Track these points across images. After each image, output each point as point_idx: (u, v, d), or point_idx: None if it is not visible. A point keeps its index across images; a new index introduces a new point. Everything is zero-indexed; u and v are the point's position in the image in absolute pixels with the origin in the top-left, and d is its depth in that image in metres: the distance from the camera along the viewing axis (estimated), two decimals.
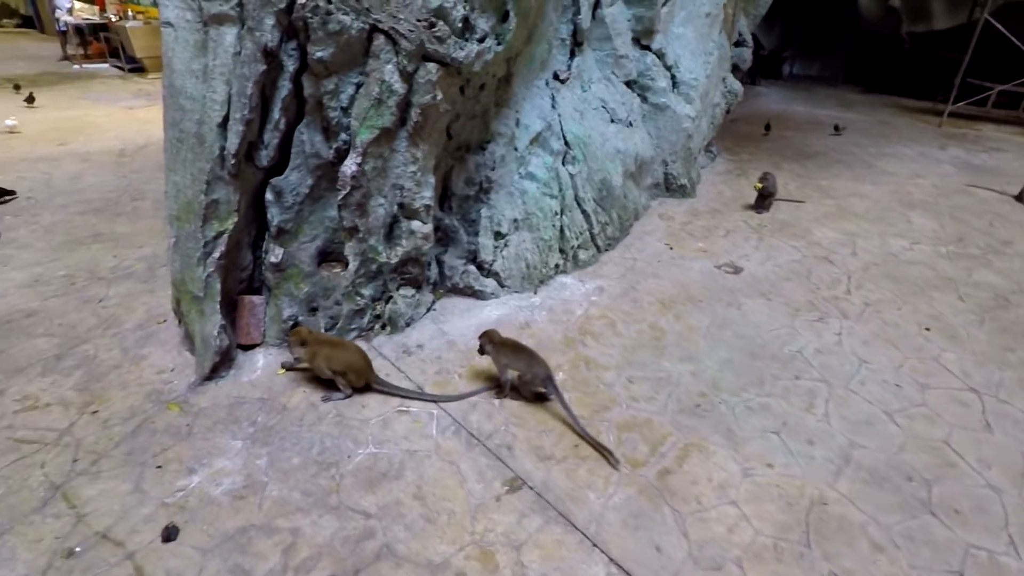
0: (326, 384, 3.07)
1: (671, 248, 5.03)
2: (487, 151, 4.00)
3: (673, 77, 5.75)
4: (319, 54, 2.84)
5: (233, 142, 2.84)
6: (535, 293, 4.13)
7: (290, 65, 2.92)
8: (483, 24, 3.24)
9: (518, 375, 3.04)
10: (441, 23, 2.99)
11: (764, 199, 5.93)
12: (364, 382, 3.02)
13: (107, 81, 11.64)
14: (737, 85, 7.28)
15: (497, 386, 3.12)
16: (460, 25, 3.11)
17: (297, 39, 2.90)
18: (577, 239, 4.49)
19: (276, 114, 2.98)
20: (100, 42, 13.31)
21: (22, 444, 2.65)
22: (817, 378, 3.44)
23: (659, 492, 2.59)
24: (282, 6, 2.73)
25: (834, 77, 15.92)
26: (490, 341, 3.05)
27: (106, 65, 13.07)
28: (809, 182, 7.15)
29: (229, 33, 2.75)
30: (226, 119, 2.82)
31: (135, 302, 3.86)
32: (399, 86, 3.01)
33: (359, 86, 3.03)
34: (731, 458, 2.81)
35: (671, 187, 6.12)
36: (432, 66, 3.04)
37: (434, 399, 3.05)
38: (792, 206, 6.22)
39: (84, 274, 4.23)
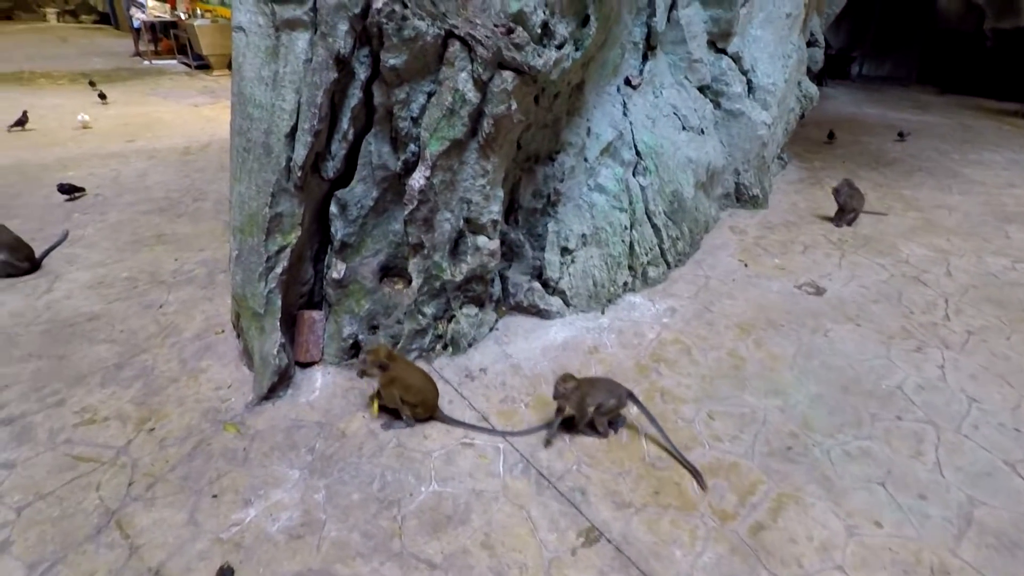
0: (386, 407, 2.92)
1: (746, 265, 4.69)
2: (556, 162, 3.77)
3: (749, 82, 5.38)
4: (392, 61, 2.67)
5: (300, 153, 2.70)
6: (602, 313, 3.88)
7: (361, 73, 2.77)
8: (562, 30, 3.01)
9: (595, 407, 2.80)
10: (520, 29, 2.78)
11: (845, 212, 5.50)
12: (429, 415, 2.85)
13: (175, 77, 11.98)
14: (813, 88, 6.82)
15: (567, 422, 2.89)
16: (539, 31, 2.89)
17: (370, 46, 2.74)
18: (647, 255, 4.21)
19: (345, 124, 2.83)
20: (170, 39, 13.77)
21: (79, 462, 2.59)
22: (922, 419, 3.08)
23: (753, 552, 2.32)
24: (357, 11, 2.57)
25: (906, 77, 15.01)
26: (576, 387, 2.71)
27: (174, 61, 13.50)
28: (890, 192, 6.64)
29: (301, 39, 2.62)
30: (294, 129, 2.69)
31: (194, 309, 3.81)
32: (472, 95, 2.82)
33: (431, 95, 2.85)
34: (832, 512, 2.51)
35: (742, 198, 5.75)
36: (508, 74, 2.84)
37: (501, 433, 2.84)
38: (874, 219, 5.76)
39: (146, 277, 4.22)
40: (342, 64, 2.67)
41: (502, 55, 2.79)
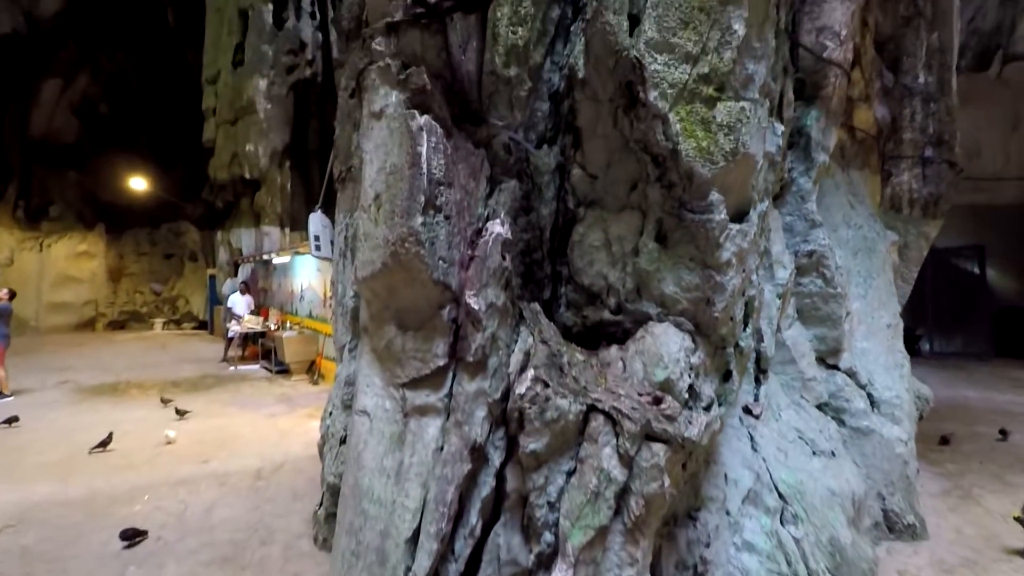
0: None
1: None
2: (698, 521, 3.16)
3: (870, 396, 4.97)
4: (533, 446, 2.35)
5: (424, 564, 2.22)
6: None
7: (496, 459, 2.45)
8: (707, 389, 2.74)
9: None
10: (668, 397, 2.49)
11: None
12: None
13: (255, 383, 12.55)
14: (925, 389, 6.34)
15: None
16: (686, 396, 2.60)
17: (506, 428, 2.47)
18: None
19: (473, 518, 2.40)
20: (256, 346, 14.97)
21: None
22: None
23: None
24: (496, 396, 2.36)
25: (984, 352, 14.61)
26: None
27: (257, 367, 14.40)
28: None
29: (432, 426, 2.37)
30: (416, 532, 2.25)
31: None
32: (618, 473, 2.41)
33: (569, 474, 2.45)
34: None
35: (895, 527, 4.81)
36: (658, 447, 2.46)
37: None
38: None
39: None
40: (476, 452, 2.36)
41: (651, 427, 2.45)
